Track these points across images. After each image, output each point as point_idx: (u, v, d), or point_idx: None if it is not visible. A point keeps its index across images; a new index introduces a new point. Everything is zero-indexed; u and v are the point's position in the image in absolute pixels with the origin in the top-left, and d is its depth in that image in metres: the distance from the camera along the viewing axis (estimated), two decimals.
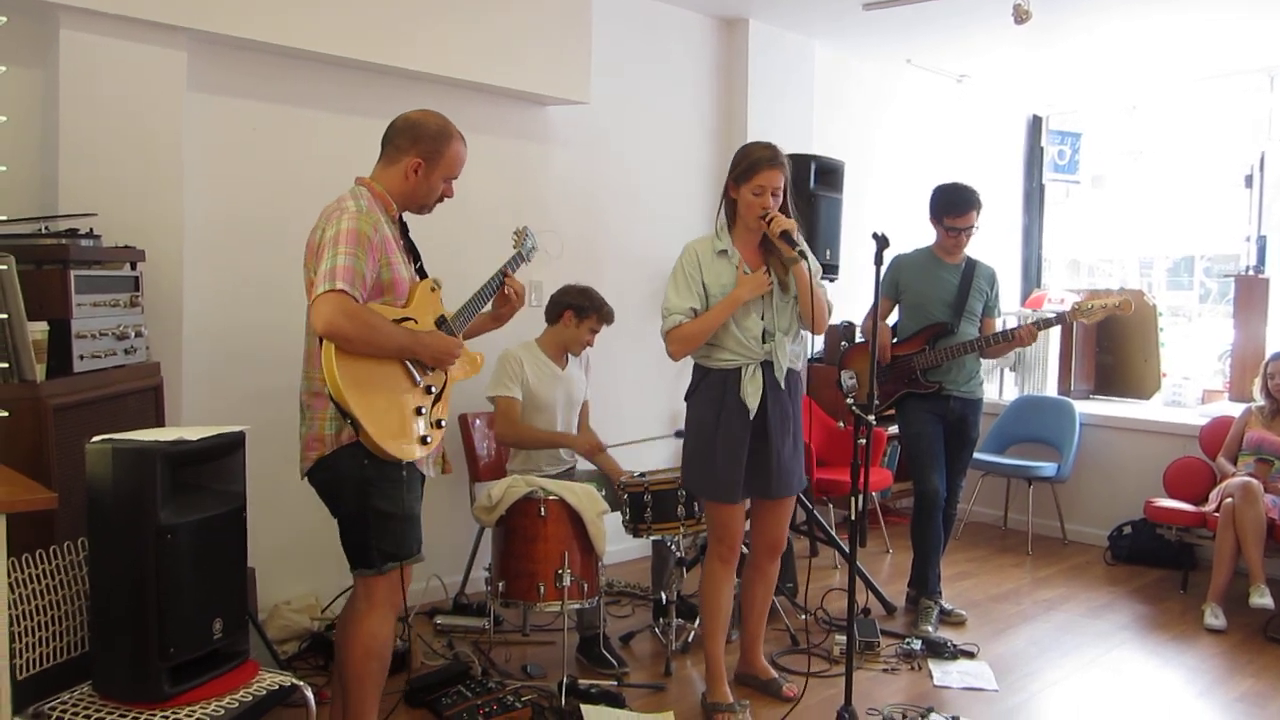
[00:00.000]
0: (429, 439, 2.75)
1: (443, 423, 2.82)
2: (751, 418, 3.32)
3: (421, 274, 2.86)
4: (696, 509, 3.84)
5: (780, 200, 3.31)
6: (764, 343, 3.33)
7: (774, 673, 3.67)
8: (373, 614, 2.73)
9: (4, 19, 2.52)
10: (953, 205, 4.35)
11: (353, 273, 2.52)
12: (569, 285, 4.31)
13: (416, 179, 2.78)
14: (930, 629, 4.30)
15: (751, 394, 3.31)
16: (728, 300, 3.30)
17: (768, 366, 3.34)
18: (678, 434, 3.78)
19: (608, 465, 4.24)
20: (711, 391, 3.38)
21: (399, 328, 2.68)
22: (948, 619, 4.50)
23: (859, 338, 4.95)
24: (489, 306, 3.15)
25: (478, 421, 4.51)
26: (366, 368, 2.59)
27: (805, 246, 3.28)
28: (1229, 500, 4.66)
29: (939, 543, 4.47)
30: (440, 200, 2.89)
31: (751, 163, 3.31)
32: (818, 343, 6.27)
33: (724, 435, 3.35)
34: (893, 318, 4.63)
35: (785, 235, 3.23)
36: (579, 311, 4.21)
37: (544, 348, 4.26)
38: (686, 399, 3.49)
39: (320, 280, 2.51)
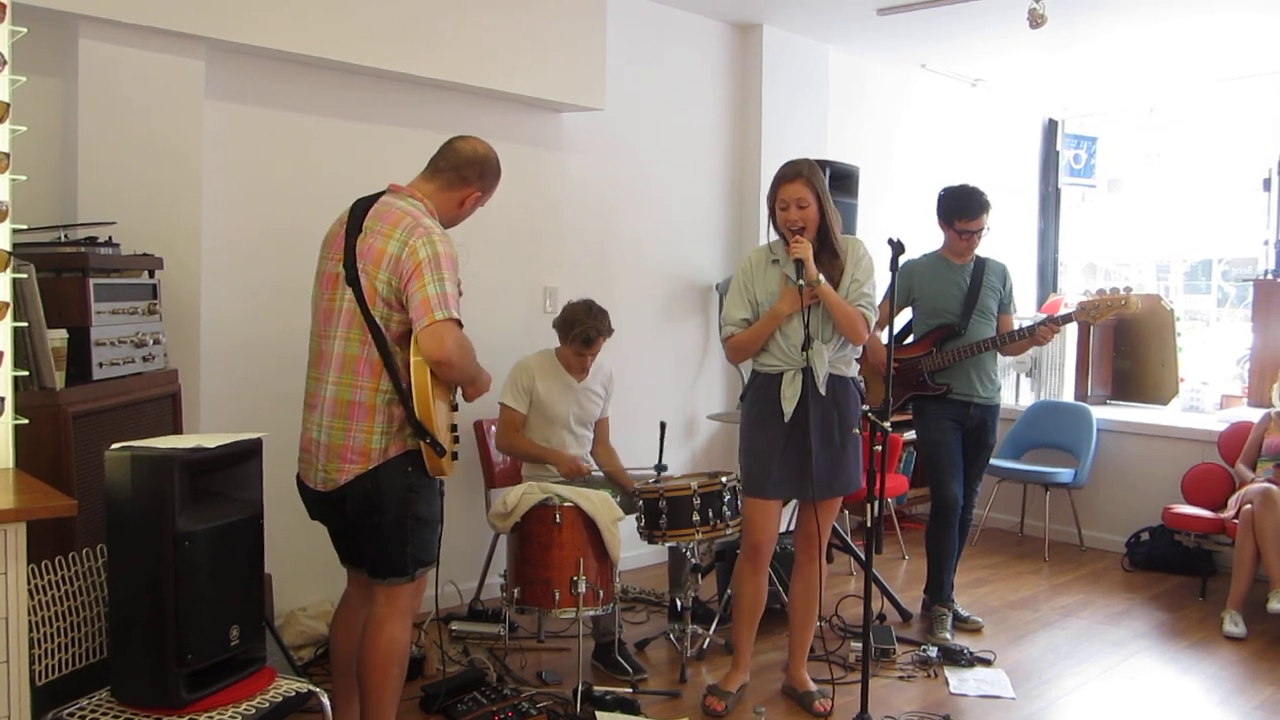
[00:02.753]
0: (456, 455, 2.83)
1: (459, 438, 2.89)
2: (787, 420, 3.41)
3: None
4: (711, 515, 3.84)
5: (810, 210, 3.40)
6: (804, 349, 3.39)
7: (812, 686, 3.66)
8: (393, 620, 2.77)
9: (24, 29, 2.54)
10: (964, 209, 4.34)
11: (457, 300, 2.63)
12: (569, 303, 4.27)
13: (468, 207, 2.93)
14: (947, 636, 4.28)
15: (789, 398, 3.42)
16: (769, 315, 3.45)
17: (808, 373, 3.41)
18: (657, 468, 4.06)
19: (618, 479, 4.29)
20: (758, 393, 3.54)
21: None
22: (964, 626, 4.48)
23: None
24: None
25: (493, 428, 4.51)
26: (435, 389, 2.68)
27: (815, 275, 3.34)
28: (1248, 506, 4.63)
29: (954, 550, 4.46)
30: None
31: (775, 180, 3.48)
32: None
33: (763, 435, 3.48)
34: (899, 322, 4.59)
35: (798, 263, 3.34)
36: (560, 336, 4.24)
37: (560, 358, 4.28)
38: (741, 399, 3.65)
39: (435, 306, 2.58)
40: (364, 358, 2.68)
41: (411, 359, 2.62)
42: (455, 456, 2.80)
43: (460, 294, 2.73)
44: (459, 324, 2.62)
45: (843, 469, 3.50)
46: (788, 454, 3.44)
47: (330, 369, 2.73)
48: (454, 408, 2.85)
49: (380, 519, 2.73)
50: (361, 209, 2.76)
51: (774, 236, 3.55)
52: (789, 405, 3.42)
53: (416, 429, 2.66)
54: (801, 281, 3.32)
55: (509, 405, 4.22)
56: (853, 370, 3.55)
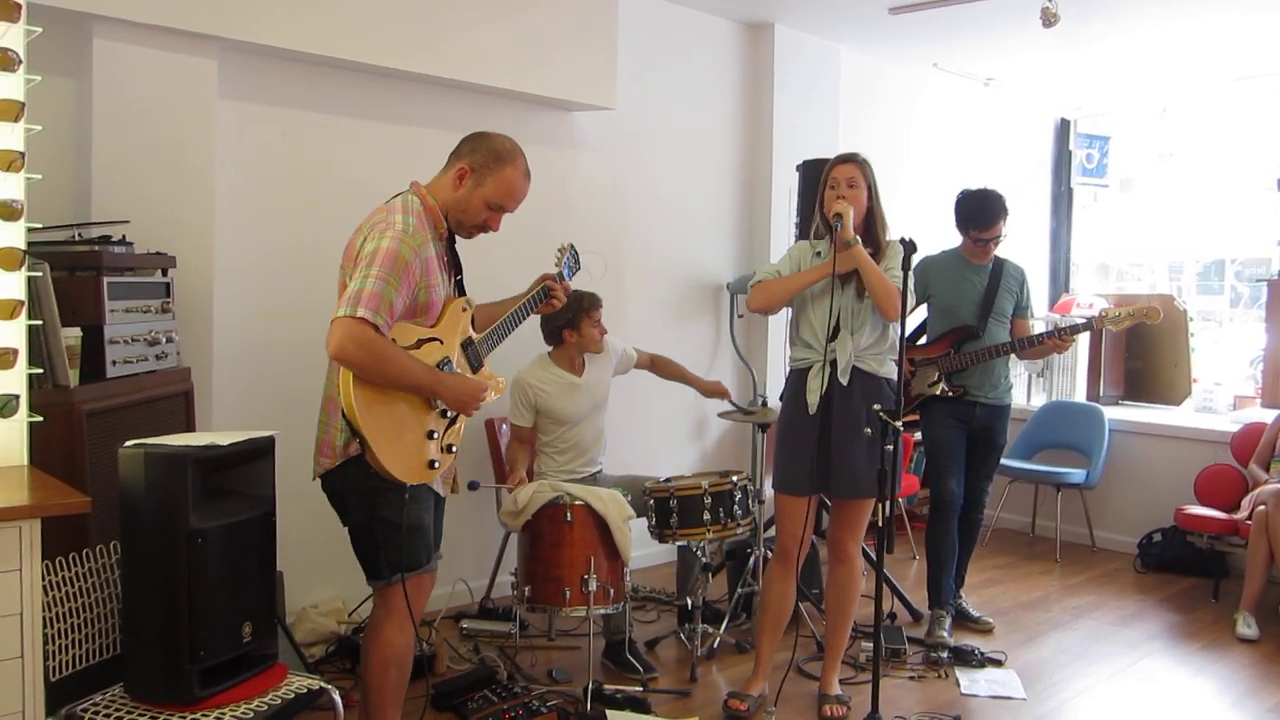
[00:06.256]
0: (436, 464, 2.65)
1: (454, 448, 2.75)
2: (811, 413, 3.42)
3: (460, 288, 2.84)
4: (722, 514, 3.84)
5: (859, 191, 3.41)
6: (831, 339, 3.40)
7: (832, 692, 3.60)
8: (389, 623, 2.72)
9: (39, 29, 2.55)
10: (979, 218, 4.32)
11: (379, 299, 2.43)
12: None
13: (461, 188, 2.73)
14: (944, 634, 4.21)
15: (813, 390, 3.44)
16: (806, 271, 3.45)
17: (833, 366, 3.41)
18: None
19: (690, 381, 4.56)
20: (790, 389, 3.58)
21: (418, 364, 2.57)
22: (975, 626, 4.47)
23: None
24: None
25: (504, 427, 4.52)
26: (384, 387, 2.54)
27: (850, 235, 3.31)
28: (1261, 508, 4.61)
29: (953, 550, 4.40)
30: (482, 229, 2.82)
31: (829, 165, 3.50)
32: None
33: (791, 430, 3.51)
34: (913, 321, 4.58)
35: (837, 217, 3.32)
36: (572, 324, 4.21)
37: (557, 361, 4.27)
38: (780, 399, 3.67)
39: (344, 301, 2.44)
40: None
41: None
42: (433, 465, 2.63)
43: (439, 293, 2.65)
44: (369, 324, 2.40)
45: (870, 468, 3.39)
46: (814, 448, 3.43)
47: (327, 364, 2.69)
48: (444, 414, 2.69)
49: (349, 518, 2.70)
50: None
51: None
52: (814, 397, 3.43)
53: (347, 424, 2.52)
54: (846, 236, 3.28)
55: (514, 423, 4.23)
56: (886, 370, 3.47)
